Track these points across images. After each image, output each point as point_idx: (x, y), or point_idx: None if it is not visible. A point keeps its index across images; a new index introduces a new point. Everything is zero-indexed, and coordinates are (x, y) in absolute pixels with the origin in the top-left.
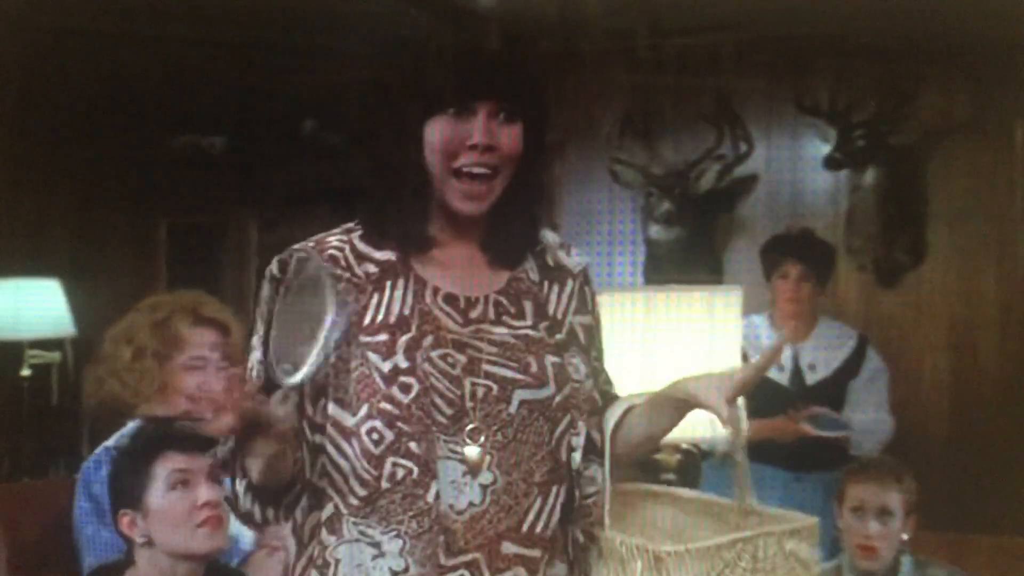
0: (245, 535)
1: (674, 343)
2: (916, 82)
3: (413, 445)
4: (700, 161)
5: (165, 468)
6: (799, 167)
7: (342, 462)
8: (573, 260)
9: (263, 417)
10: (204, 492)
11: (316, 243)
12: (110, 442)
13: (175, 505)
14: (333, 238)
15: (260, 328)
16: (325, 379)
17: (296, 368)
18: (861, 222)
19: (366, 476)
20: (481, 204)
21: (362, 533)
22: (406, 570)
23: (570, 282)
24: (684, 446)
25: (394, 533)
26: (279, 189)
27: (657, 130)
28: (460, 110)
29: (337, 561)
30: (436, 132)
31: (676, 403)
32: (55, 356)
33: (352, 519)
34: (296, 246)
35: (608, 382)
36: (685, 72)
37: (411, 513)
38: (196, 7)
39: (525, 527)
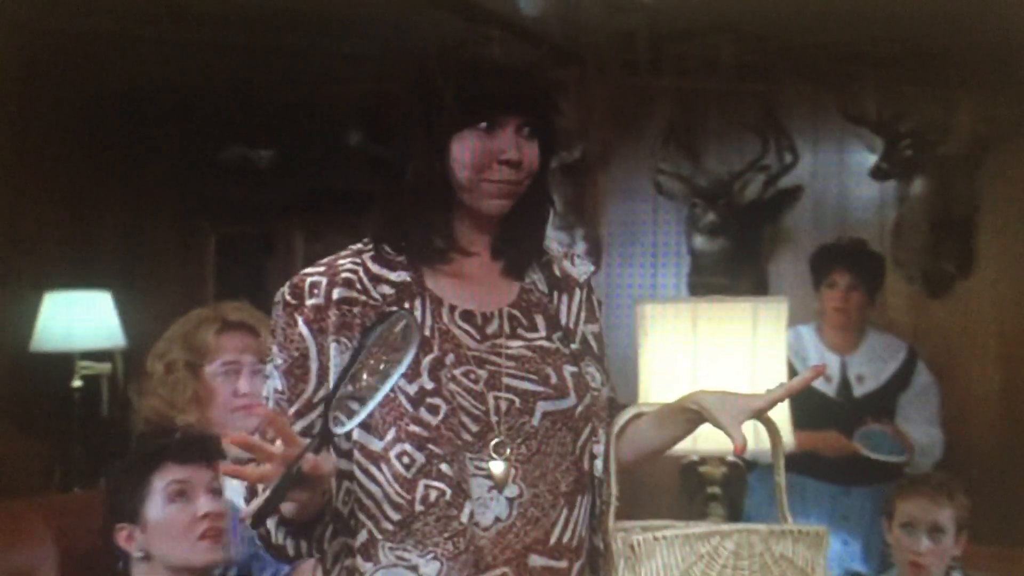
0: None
1: (719, 354)
2: (964, 90)
3: (444, 466)
4: (745, 172)
5: (163, 480)
6: (845, 177)
7: (373, 487)
8: (579, 269)
9: (313, 473)
10: (204, 504)
11: (327, 266)
12: None
13: (175, 517)
14: (345, 260)
15: (279, 358)
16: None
17: (350, 417)
18: (908, 233)
19: (399, 500)
20: (504, 206)
21: (399, 558)
22: None
23: (577, 291)
24: (730, 458)
25: (431, 556)
26: (324, 200)
27: (701, 141)
28: (491, 125)
29: None
30: (466, 146)
31: (688, 415)
32: (105, 367)
33: (388, 544)
34: (308, 270)
35: (613, 390)
36: (729, 82)
37: (446, 534)
38: (244, 17)
39: (552, 539)
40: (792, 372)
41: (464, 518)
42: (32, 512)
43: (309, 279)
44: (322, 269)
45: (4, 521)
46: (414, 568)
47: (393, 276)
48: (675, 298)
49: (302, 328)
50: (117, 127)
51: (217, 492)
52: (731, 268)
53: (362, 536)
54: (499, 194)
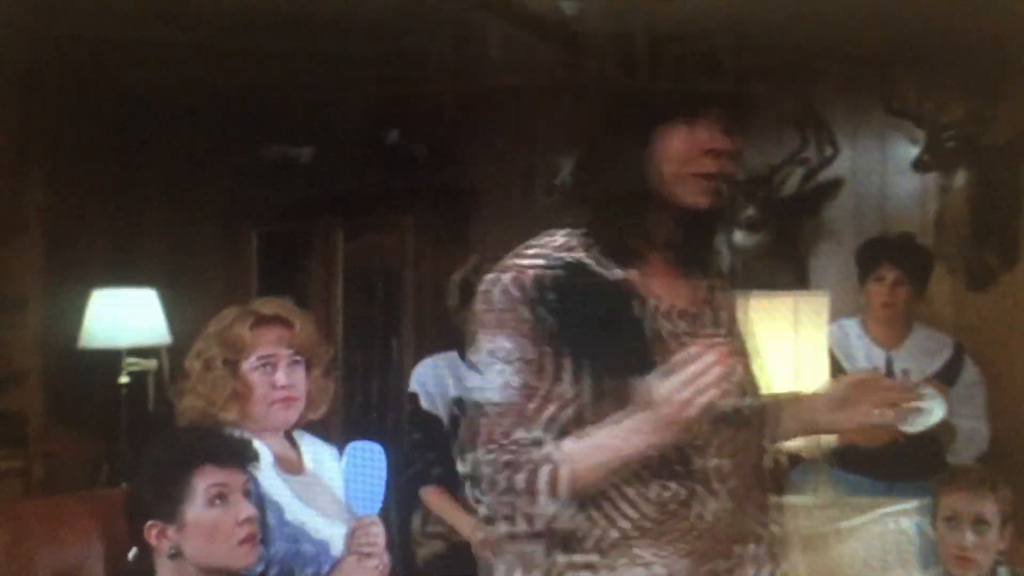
0: (335, 541)
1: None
2: (1006, 80)
3: (677, 466)
4: (784, 165)
5: (204, 482)
6: (886, 170)
7: (608, 489)
8: (725, 265)
9: None
10: (244, 508)
11: (544, 258)
12: None
13: (216, 520)
14: (559, 253)
15: (512, 352)
16: (581, 408)
17: None
18: (951, 225)
19: (636, 500)
20: (711, 200)
21: (636, 556)
22: None
23: (727, 287)
24: None
25: (665, 553)
26: (364, 199)
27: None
28: (694, 117)
29: None
30: (672, 139)
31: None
32: (152, 364)
33: (624, 543)
34: (522, 262)
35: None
36: (768, 74)
37: (677, 532)
38: (282, 18)
39: (747, 528)
40: (835, 366)
41: (693, 516)
42: (79, 507)
43: (532, 271)
44: (541, 262)
45: (52, 516)
46: (647, 565)
47: (607, 273)
48: None
49: (531, 319)
50: (160, 128)
51: (249, 495)
52: (770, 262)
53: (595, 534)
54: (706, 187)
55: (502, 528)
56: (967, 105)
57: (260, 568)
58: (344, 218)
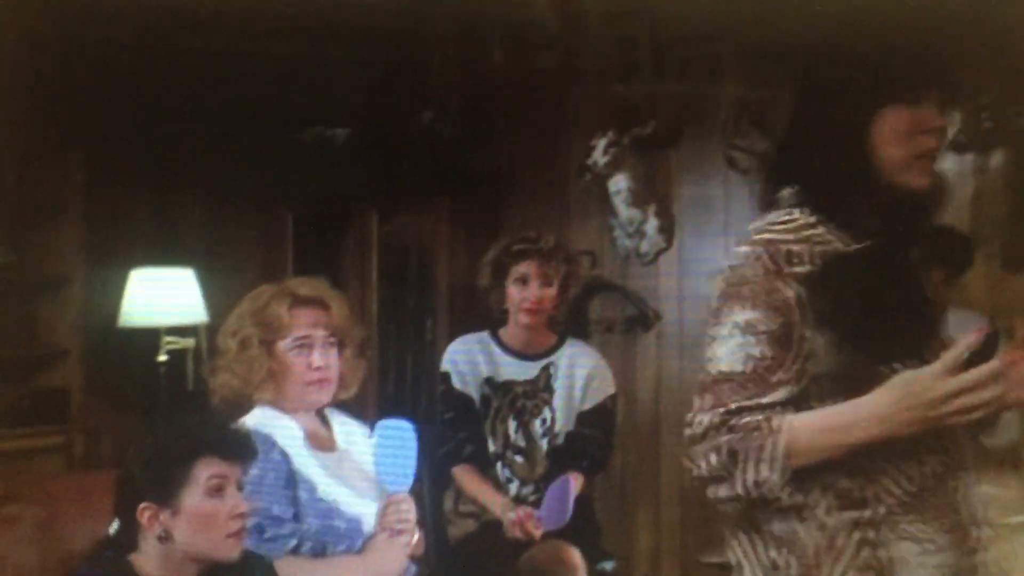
0: (367, 517)
1: None
2: None
3: (930, 441)
4: None
5: (206, 472)
6: None
7: (882, 463)
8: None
9: None
10: (239, 502)
11: (792, 233)
12: (237, 424)
13: (211, 511)
14: (805, 231)
15: (762, 324)
16: (821, 385)
17: None
18: (988, 206)
19: (909, 474)
20: (930, 181)
21: (904, 531)
22: (944, 562)
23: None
24: None
25: (931, 529)
26: (399, 180)
27: (775, 115)
28: (914, 97)
29: (890, 560)
30: (894, 120)
31: None
32: (190, 342)
33: (894, 518)
34: (773, 237)
35: None
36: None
37: (938, 507)
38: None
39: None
40: None
41: (950, 490)
42: (112, 484)
43: (785, 247)
44: (790, 237)
45: (85, 493)
46: (917, 540)
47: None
48: None
49: (788, 294)
50: (197, 111)
51: (241, 488)
52: None
53: (867, 512)
54: (926, 167)
55: (721, 492)
56: (1004, 85)
57: (293, 543)
58: (379, 199)
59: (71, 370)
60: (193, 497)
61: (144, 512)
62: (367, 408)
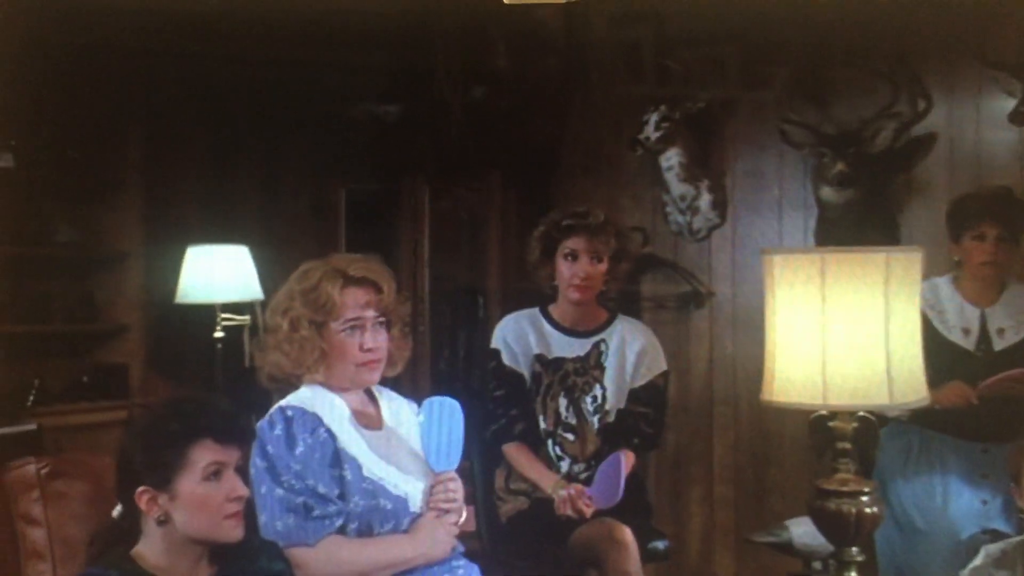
0: (414, 497)
1: (850, 306)
2: None
3: None
4: (875, 119)
5: (203, 457)
6: (982, 123)
7: None
8: None
9: None
10: (237, 486)
11: None
12: (284, 402)
13: (207, 496)
14: None
15: None
16: None
17: None
18: None
19: None
20: None
21: None
22: None
23: None
24: (861, 413)
25: None
26: (450, 156)
27: (829, 88)
28: None
29: None
30: None
31: None
32: (245, 319)
33: None
34: None
35: None
36: (859, 27)
37: None
38: None
39: None
40: (926, 326)
41: None
42: None
43: None
44: None
45: None
46: None
47: None
48: (803, 248)
49: None
50: (252, 89)
51: (240, 472)
52: (860, 219)
53: None
54: None
55: None
56: None
57: (339, 522)
58: (431, 174)
59: (131, 346)
60: (190, 481)
61: (142, 496)
62: (419, 385)
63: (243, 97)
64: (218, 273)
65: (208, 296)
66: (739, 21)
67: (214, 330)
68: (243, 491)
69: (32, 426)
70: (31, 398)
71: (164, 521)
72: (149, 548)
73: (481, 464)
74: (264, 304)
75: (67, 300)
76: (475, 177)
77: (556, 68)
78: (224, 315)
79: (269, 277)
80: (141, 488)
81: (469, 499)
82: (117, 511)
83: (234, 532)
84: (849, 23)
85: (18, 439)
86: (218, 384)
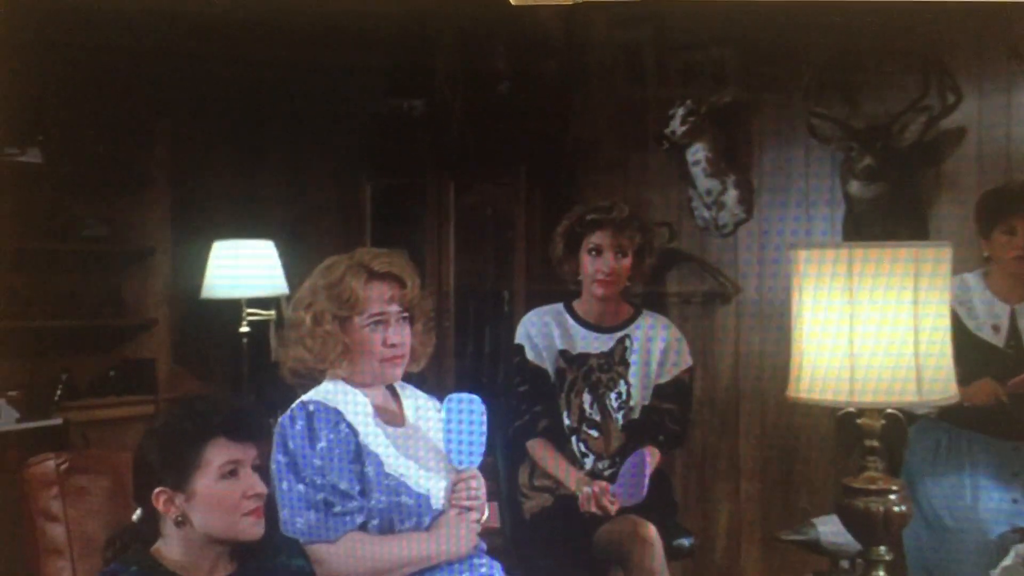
0: (436, 494)
1: (878, 302)
2: None
3: None
4: (904, 113)
5: (218, 456)
6: (1012, 117)
7: None
8: None
9: None
10: (254, 483)
11: None
12: (305, 397)
13: (224, 494)
14: None
15: None
16: None
17: None
18: None
19: None
20: None
21: None
22: None
23: None
24: (889, 411)
25: None
26: (475, 151)
27: (858, 82)
28: None
29: None
30: None
31: None
32: (271, 314)
33: None
34: None
35: None
36: (888, 20)
37: None
38: None
39: None
40: (956, 322)
41: None
42: None
43: None
44: None
45: None
46: None
47: None
48: (830, 243)
49: None
50: (276, 85)
51: (259, 469)
52: (889, 214)
53: None
54: None
55: None
56: None
57: (360, 519)
58: (456, 170)
59: (158, 341)
60: (206, 480)
61: (159, 497)
62: (444, 381)
63: (270, 96)
64: (243, 268)
65: (233, 291)
66: (767, 15)
67: (240, 325)
68: (261, 488)
69: (57, 421)
70: (58, 392)
71: (182, 522)
72: (168, 547)
73: (505, 460)
74: (290, 299)
75: (94, 295)
76: (501, 172)
77: (576, 65)
78: (250, 310)
79: (295, 272)
80: (158, 489)
81: (494, 495)
82: (137, 515)
83: (253, 530)
84: (878, 16)
85: (43, 434)
86: (244, 379)
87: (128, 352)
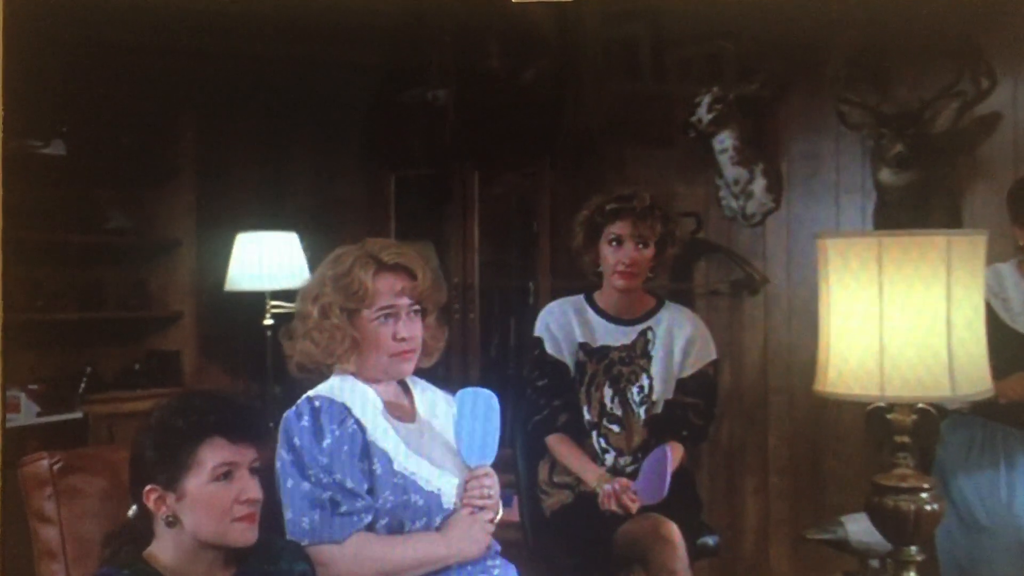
0: (447, 493)
1: (909, 292)
2: None
3: None
4: (936, 99)
5: (213, 457)
6: None
7: None
8: None
9: None
10: (248, 487)
11: None
12: (312, 392)
13: (216, 496)
14: None
15: None
16: None
17: None
18: None
19: None
20: None
21: None
22: None
23: None
24: (920, 406)
25: None
26: (500, 141)
27: (889, 67)
28: None
29: None
30: None
31: None
32: (294, 306)
33: None
34: None
35: None
36: (921, 3)
37: None
38: None
39: None
40: (990, 314)
41: None
42: None
43: None
44: None
45: None
46: None
47: None
48: (860, 232)
49: None
50: (302, 77)
51: (256, 472)
52: (920, 202)
53: None
54: None
55: None
56: None
57: (368, 518)
58: (480, 160)
59: (184, 333)
60: (198, 481)
61: (150, 495)
62: (470, 375)
63: (294, 89)
64: (267, 260)
65: (257, 283)
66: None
67: (263, 318)
68: (255, 494)
69: (78, 414)
70: (83, 385)
71: (173, 522)
72: (161, 549)
73: (525, 456)
74: None
75: (119, 287)
76: (526, 162)
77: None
78: (273, 303)
79: (318, 264)
80: (149, 486)
81: (512, 488)
82: (132, 511)
83: (244, 536)
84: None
85: (63, 428)
86: (268, 372)
87: (154, 345)
